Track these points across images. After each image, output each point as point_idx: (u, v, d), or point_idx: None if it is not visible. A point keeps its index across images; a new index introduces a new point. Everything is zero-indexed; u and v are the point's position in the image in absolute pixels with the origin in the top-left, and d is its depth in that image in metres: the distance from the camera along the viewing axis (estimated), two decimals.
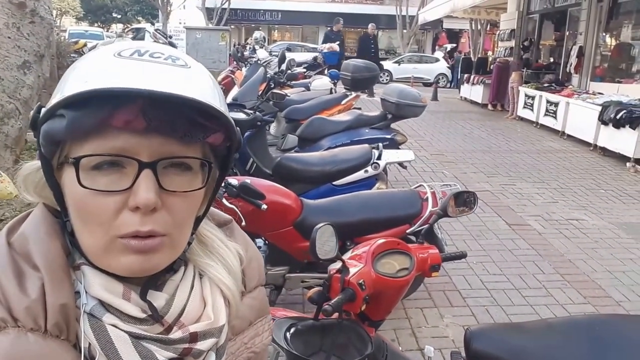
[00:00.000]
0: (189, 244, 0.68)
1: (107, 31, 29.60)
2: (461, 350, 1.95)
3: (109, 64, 0.57)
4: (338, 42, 11.57)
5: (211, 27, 18.64)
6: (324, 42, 11.76)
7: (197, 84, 0.59)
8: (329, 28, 12.82)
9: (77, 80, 0.56)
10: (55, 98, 0.57)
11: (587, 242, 4.44)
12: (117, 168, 0.57)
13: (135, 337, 0.59)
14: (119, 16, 34.62)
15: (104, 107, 0.54)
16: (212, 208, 0.73)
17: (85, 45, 13.80)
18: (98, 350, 0.58)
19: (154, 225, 0.58)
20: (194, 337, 0.63)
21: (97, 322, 0.59)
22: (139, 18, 34.34)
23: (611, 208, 5.37)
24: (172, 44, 11.71)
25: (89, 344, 0.58)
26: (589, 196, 5.74)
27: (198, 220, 0.69)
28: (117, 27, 33.90)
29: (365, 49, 12.37)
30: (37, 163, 0.63)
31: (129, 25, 28.17)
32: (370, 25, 12.83)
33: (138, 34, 19.24)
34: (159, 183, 0.58)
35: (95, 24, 33.43)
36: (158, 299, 0.63)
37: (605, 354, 1.51)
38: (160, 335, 0.61)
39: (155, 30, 14.09)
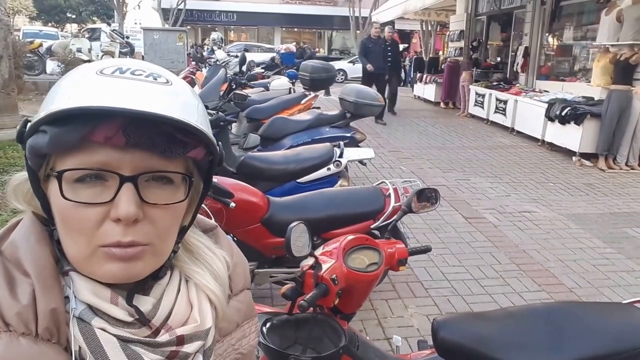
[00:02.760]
0: (175, 252, 0.69)
1: (62, 31, 28.64)
2: (427, 338, 2.03)
3: (91, 82, 0.59)
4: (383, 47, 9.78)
5: (168, 28, 18.40)
6: (361, 53, 9.91)
7: (177, 101, 0.60)
8: (366, 36, 10.07)
9: (60, 97, 0.58)
10: (40, 114, 0.59)
11: (539, 232, 4.65)
12: (100, 181, 0.59)
13: (123, 341, 0.61)
14: (74, 16, 33.42)
15: (84, 124, 0.56)
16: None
17: (40, 45, 13.38)
18: (88, 353, 0.59)
19: (135, 236, 0.60)
20: (181, 340, 0.64)
21: (86, 326, 0.60)
22: (94, 18, 33.23)
23: (560, 200, 5.63)
24: (129, 44, 11.43)
25: (79, 347, 0.59)
26: (539, 189, 6.00)
27: (184, 230, 0.71)
28: (71, 27, 32.69)
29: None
30: (25, 174, 0.65)
31: (84, 25, 27.23)
32: (386, 29, 10.69)
33: (94, 34, 18.72)
34: (140, 196, 0.60)
35: (49, 24, 32.37)
36: (145, 303, 0.65)
37: (561, 337, 1.62)
38: (147, 339, 0.63)
39: (112, 30, 13.82)
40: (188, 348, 0.65)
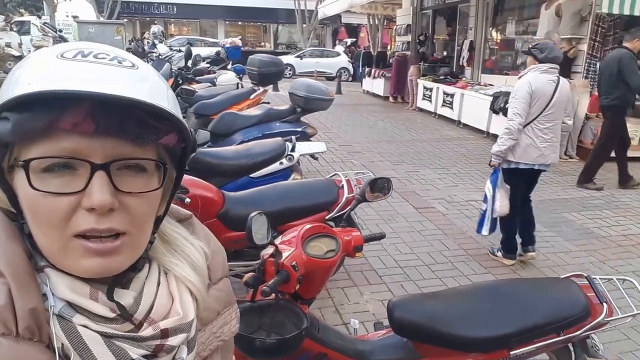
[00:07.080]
0: (151, 243, 0.68)
1: None
2: (383, 320, 2.12)
3: (53, 66, 0.56)
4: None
5: (105, 21, 17.67)
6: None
7: (145, 85, 0.58)
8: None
9: (20, 82, 0.55)
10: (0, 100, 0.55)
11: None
12: (69, 170, 0.56)
13: (107, 337, 0.59)
14: None
15: (50, 109, 0.53)
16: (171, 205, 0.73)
17: None
18: (72, 351, 0.57)
19: (111, 224, 0.58)
20: (165, 334, 0.63)
21: (67, 324, 0.58)
22: (21, 10, 31.34)
23: None
24: (62, 38, 10.91)
25: (62, 344, 0.58)
26: (485, 179, 6.18)
27: (159, 220, 0.69)
28: None
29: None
30: None
31: (9, 16, 25.73)
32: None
33: (23, 28, 17.77)
34: (114, 184, 0.57)
35: None
36: (126, 297, 0.63)
37: (505, 311, 1.75)
38: (131, 333, 0.61)
39: (44, 23, 13.17)
40: (172, 341, 0.64)
